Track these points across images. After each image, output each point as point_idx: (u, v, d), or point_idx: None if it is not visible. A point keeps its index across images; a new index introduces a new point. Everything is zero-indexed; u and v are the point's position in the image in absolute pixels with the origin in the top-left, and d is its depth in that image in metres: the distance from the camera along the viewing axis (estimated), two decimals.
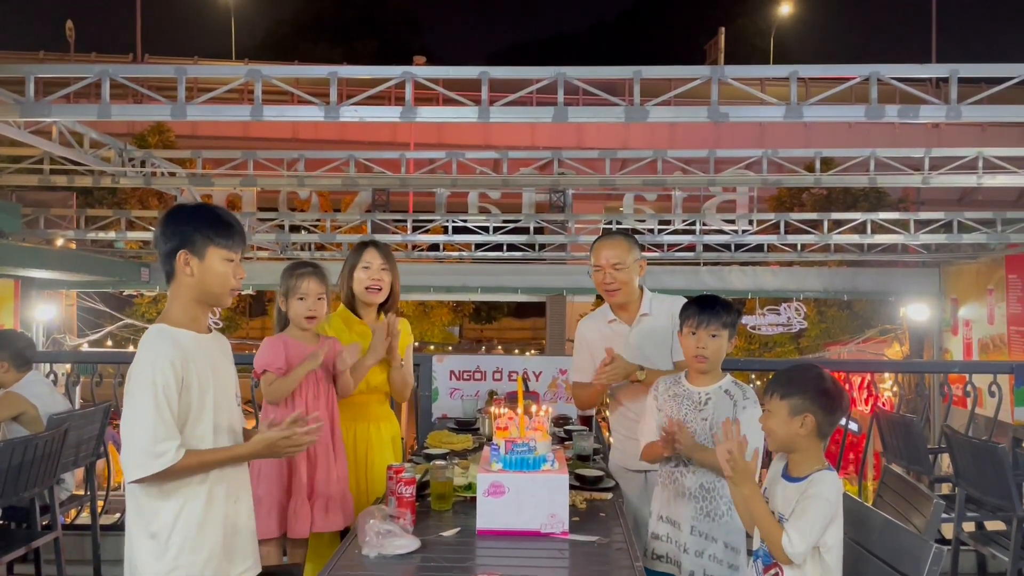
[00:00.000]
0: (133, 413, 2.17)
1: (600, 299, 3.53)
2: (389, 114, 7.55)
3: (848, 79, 7.51)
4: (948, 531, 4.42)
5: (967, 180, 11.08)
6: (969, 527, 4.44)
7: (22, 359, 4.34)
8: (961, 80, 6.98)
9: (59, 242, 14.22)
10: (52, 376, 4.87)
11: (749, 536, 2.86)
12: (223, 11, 28.47)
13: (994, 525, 4.47)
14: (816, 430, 2.38)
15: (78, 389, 5.43)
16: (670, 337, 3.34)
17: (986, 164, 10.78)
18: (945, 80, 7.09)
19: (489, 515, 2.56)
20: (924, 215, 14.04)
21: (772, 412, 2.41)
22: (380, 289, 3.42)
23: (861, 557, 2.39)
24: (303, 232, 15.41)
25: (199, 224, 2.29)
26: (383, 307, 3.53)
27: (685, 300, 3.18)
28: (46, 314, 14.40)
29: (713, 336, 2.90)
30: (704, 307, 2.94)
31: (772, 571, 2.36)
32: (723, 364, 3.01)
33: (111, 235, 14.29)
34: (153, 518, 2.21)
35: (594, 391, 3.45)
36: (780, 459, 2.51)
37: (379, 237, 14.13)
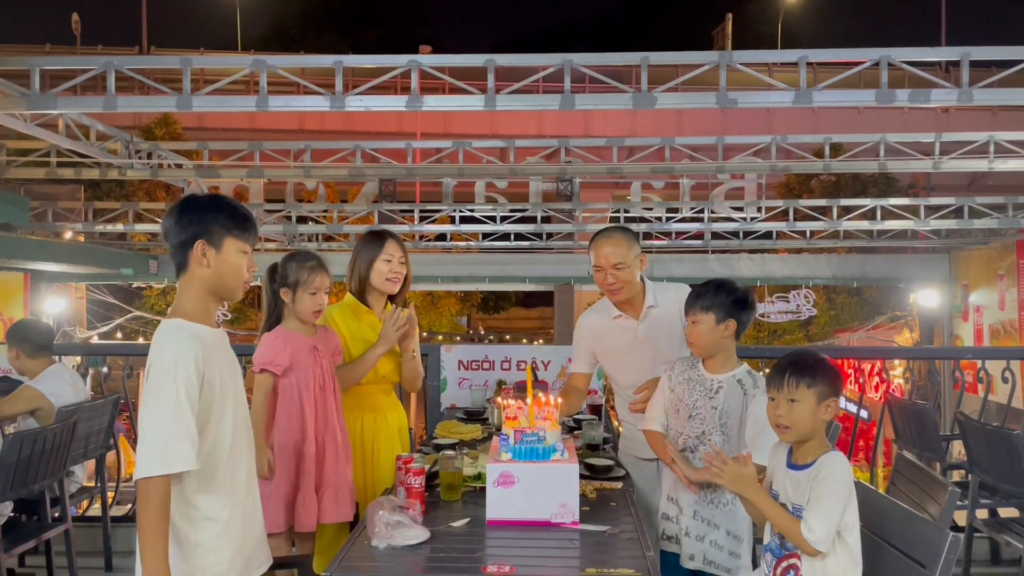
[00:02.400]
0: (151, 411, 2.09)
1: None
2: (395, 103, 7.52)
3: (858, 63, 7.44)
4: (961, 518, 4.39)
5: (978, 165, 11.02)
6: (982, 514, 4.41)
7: (37, 347, 4.34)
8: (972, 63, 6.90)
9: (67, 235, 14.27)
10: None
11: (754, 526, 2.84)
12: (228, 2, 28.43)
13: (1008, 512, 4.44)
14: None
15: (88, 381, 5.44)
16: (680, 327, 3.28)
17: (997, 148, 10.70)
18: (955, 64, 7.02)
19: (499, 505, 2.54)
20: (934, 200, 13.99)
21: (801, 402, 2.34)
22: (398, 280, 3.43)
23: (876, 545, 2.36)
24: (310, 223, 15.43)
25: (217, 214, 2.24)
26: (392, 297, 3.52)
27: (689, 288, 3.14)
28: (56, 307, 14.48)
29: (693, 322, 2.89)
30: (690, 294, 2.96)
31: (785, 563, 2.33)
32: None
33: (119, 227, 14.33)
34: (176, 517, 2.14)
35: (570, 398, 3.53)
36: (780, 449, 2.46)
37: (386, 227, 14.18)
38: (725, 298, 2.86)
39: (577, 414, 4.29)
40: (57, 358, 4.51)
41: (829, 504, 2.24)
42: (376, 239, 3.45)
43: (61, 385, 4.29)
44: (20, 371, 4.39)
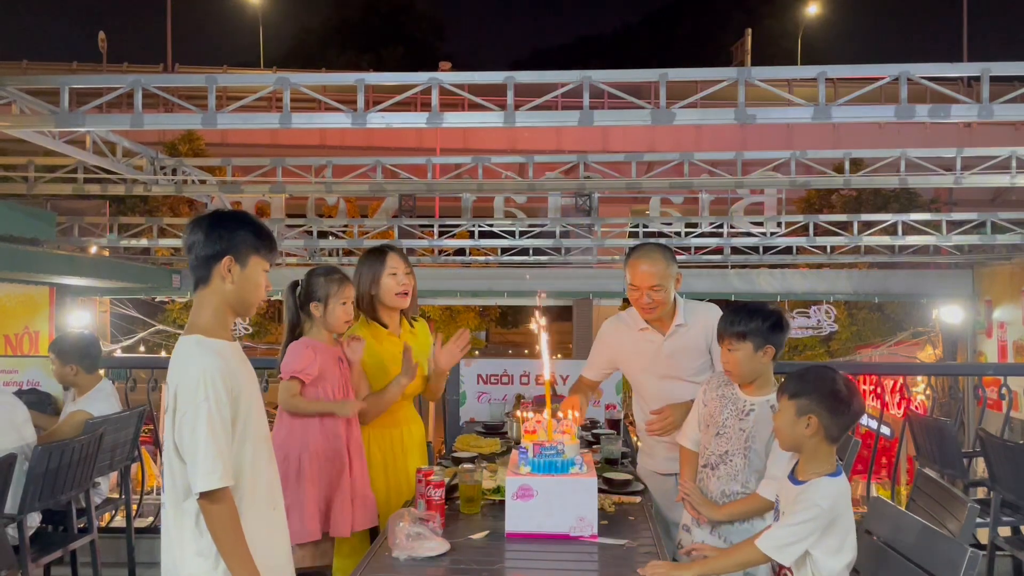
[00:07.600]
0: (194, 433, 2.10)
1: (627, 302, 3.47)
2: (416, 120, 7.59)
3: (877, 79, 7.41)
4: (983, 536, 4.35)
5: (1000, 180, 10.93)
6: (1005, 532, 4.37)
7: (95, 363, 4.38)
8: (993, 78, 6.88)
9: (93, 249, 14.47)
10: None
11: None
12: (252, 21, 28.88)
13: None
14: (822, 432, 2.36)
15: None
16: (706, 348, 3.27)
17: (1019, 163, 10.61)
18: (977, 79, 6.99)
19: (518, 518, 2.57)
20: (956, 216, 13.86)
21: (781, 410, 2.43)
22: (408, 294, 3.43)
23: (896, 561, 2.36)
24: (331, 238, 15.55)
25: (246, 233, 2.28)
26: (404, 312, 3.53)
27: (717, 308, 3.14)
28: (80, 320, 14.65)
29: (730, 350, 2.81)
30: (723, 319, 2.88)
31: (784, 571, 2.42)
32: None
33: (143, 242, 14.52)
34: (202, 535, 2.16)
35: (581, 395, 3.52)
36: (791, 460, 2.50)
37: (406, 242, 14.29)
38: (761, 324, 2.76)
39: (594, 428, 4.31)
40: (103, 373, 4.56)
41: (794, 520, 2.32)
42: (377, 255, 3.41)
43: (111, 405, 4.35)
44: (70, 385, 4.40)
